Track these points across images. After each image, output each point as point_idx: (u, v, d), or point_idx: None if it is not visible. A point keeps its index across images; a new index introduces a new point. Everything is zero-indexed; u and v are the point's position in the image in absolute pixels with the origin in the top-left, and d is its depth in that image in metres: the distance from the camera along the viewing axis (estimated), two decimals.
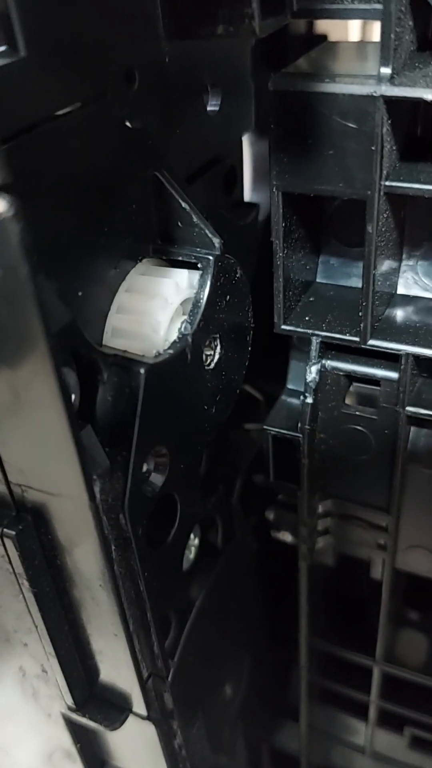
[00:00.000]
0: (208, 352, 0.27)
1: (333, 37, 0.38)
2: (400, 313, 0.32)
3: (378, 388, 0.33)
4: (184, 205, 0.26)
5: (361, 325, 0.31)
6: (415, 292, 0.33)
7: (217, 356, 0.28)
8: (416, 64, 0.26)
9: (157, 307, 0.25)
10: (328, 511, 0.38)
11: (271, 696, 0.50)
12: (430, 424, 0.33)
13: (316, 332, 0.32)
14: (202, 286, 0.26)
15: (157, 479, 0.27)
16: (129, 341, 0.25)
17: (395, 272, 0.32)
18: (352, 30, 0.42)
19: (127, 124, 0.23)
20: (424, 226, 0.31)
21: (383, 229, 0.29)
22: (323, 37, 0.38)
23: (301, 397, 0.33)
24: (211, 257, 0.26)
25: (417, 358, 0.31)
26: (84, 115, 0.21)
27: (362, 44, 0.32)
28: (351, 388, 0.35)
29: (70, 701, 0.30)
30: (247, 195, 0.35)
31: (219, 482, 0.35)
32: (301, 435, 0.34)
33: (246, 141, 0.34)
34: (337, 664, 0.46)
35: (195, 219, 0.26)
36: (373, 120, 0.26)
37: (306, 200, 0.29)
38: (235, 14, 0.23)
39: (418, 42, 0.27)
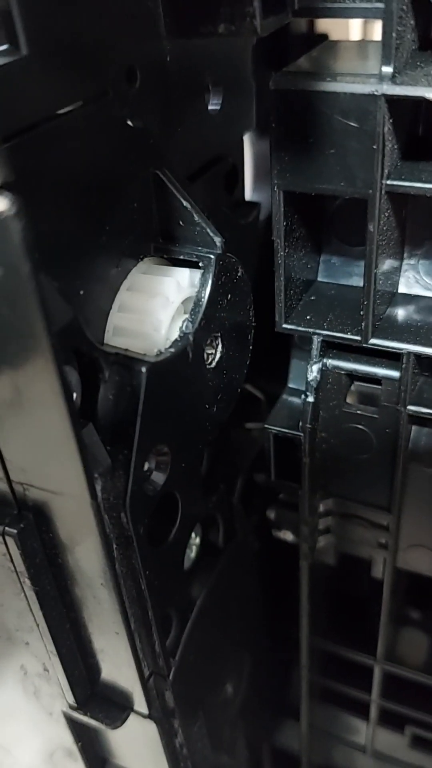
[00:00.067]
0: (210, 351, 0.27)
1: (334, 36, 0.38)
2: (401, 312, 0.32)
3: (379, 387, 0.33)
4: (185, 203, 0.26)
5: (363, 324, 0.31)
6: (417, 291, 0.33)
7: (218, 355, 0.28)
8: (418, 63, 0.26)
9: (158, 306, 0.25)
10: (329, 510, 0.38)
11: (272, 695, 0.50)
12: (431, 423, 0.33)
13: (318, 331, 0.32)
14: (203, 284, 0.26)
15: (159, 478, 0.27)
16: (130, 340, 0.25)
17: (396, 271, 0.32)
18: (353, 29, 0.42)
19: (129, 123, 0.23)
20: (425, 225, 0.31)
21: (384, 228, 0.29)
22: (324, 36, 0.38)
23: (303, 396, 0.33)
24: (212, 256, 0.26)
25: (418, 357, 0.31)
26: (85, 114, 0.21)
27: (363, 43, 0.32)
28: (352, 387, 0.35)
29: (71, 700, 0.30)
30: (249, 194, 0.35)
31: (220, 481, 0.35)
32: (302, 434, 0.34)
33: (247, 140, 0.34)
34: (337, 663, 0.46)
35: (196, 218, 0.26)
36: (375, 119, 0.26)
37: (307, 199, 0.29)
38: (237, 13, 0.23)
39: (419, 41, 0.27)
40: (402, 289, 0.33)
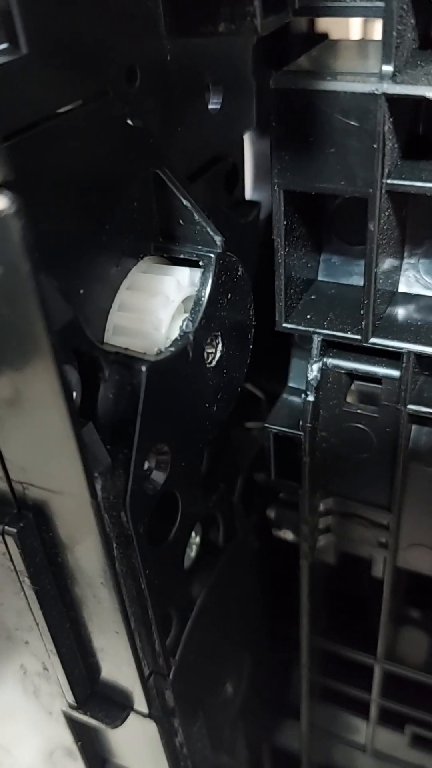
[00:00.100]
0: (210, 350, 0.27)
1: (334, 35, 0.38)
2: (401, 312, 0.32)
3: (379, 386, 0.33)
4: (185, 203, 0.26)
5: (363, 323, 0.31)
6: (417, 290, 0.33)
7: (218, 354, 0.28)
8: (418, 62, 0.26)
9: (158, 305, 0.25)
10: (329, 510, 0.38)
11: (272, 694, 0.50)
12: (431, 423, 0.33)
13: (318, 330, 0.32)
14: (203, 283, 0.26)
15: (159, 477, 0.27)
16: (130, 339, 0.25)
17: (397, 270, 0.32)
18: (353, 28, 0.42)
19: (129, 122, 0.23)
20: (425, 224, 0.31)
21: (385, 227, 0.29)
22: (324, 36, 0.38)
23: (303, 396, 0.33)
24: (212, 255, 0.26)
25: (418, 356, 0.31)
26: (85, 113, 0.21)
27: (364, 42, 0.32)
28: (352, 387, 0.35)
29: (71, 699, 0.30)
30: (249, 193, 0.35)
31: (220, 480, 0.35)
32: (302, 433, 0.34)
33: (247, 139, 0.34)
34: (338, 663, 0.46)
35: (196, 217, 0.26)
36: (375, 118, 0.26)
37: (307, 198, 0.29)
38: (237, 12, 0.23)
39: (419, 40, 0.27)
40: (402, 288, 0.33)
